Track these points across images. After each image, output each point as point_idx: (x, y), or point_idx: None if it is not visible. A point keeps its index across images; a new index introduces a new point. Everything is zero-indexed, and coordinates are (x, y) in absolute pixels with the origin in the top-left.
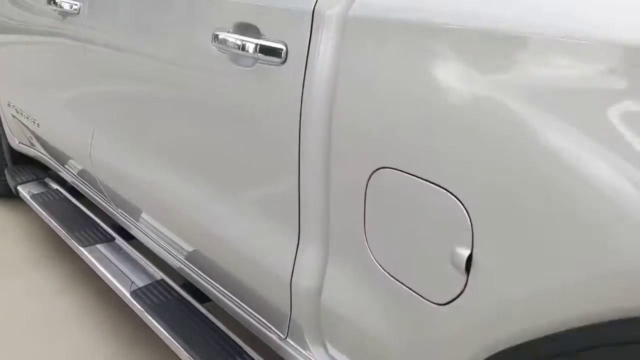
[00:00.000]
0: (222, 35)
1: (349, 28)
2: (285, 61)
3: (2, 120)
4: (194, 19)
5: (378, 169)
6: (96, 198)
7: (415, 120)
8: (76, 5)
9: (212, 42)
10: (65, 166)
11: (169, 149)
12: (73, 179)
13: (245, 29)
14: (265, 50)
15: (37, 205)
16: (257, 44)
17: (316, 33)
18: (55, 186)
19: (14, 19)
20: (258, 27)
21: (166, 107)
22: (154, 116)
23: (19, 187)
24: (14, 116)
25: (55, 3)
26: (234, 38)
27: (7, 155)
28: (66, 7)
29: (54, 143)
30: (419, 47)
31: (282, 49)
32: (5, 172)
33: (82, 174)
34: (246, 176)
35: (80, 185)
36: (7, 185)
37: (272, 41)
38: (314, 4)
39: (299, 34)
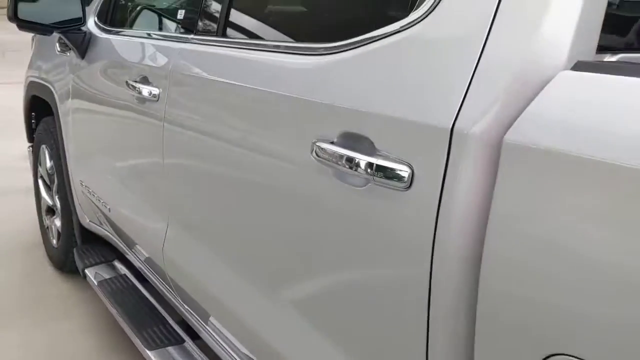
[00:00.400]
0: (324, 146)
1: (505, 156)
2: (409, 187)
3: (74, 198)
4: (290, 121)
5: (553, 356)
6: (163, 290)
7: (606, 291)
8: (155, 91)
9: (311, 152)
10: (134, 251)
11: (252, 258)
12: (141, 266)
13: (354, 140)
14: (381, 170)
15: (103, 295)
16: (370, 162)
17: (456, 157)
18: (123, 271)
19: (94, 88)
20: (372, 140)
21: (252, 211)
22: (237, 218)
23: (86, 271)
24: (84, 194)
25: (133, 88)
26: (340, 151)
27: (77, 234)
28: (145, 93)
29: (126, 230)
30: (617, 193)
31: (406, 172)
32: (74, 251)
33: (151, 263)
34: (346, 312)
35: (148, 274)
36: (75, 263)
37: (391, 160)
38: (452, 120)
39: (430, 155)
